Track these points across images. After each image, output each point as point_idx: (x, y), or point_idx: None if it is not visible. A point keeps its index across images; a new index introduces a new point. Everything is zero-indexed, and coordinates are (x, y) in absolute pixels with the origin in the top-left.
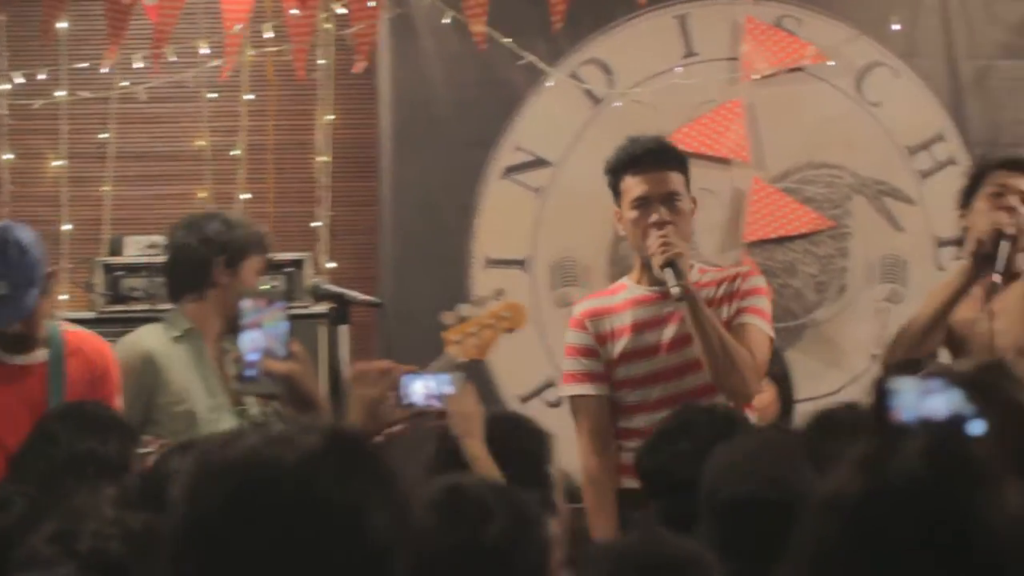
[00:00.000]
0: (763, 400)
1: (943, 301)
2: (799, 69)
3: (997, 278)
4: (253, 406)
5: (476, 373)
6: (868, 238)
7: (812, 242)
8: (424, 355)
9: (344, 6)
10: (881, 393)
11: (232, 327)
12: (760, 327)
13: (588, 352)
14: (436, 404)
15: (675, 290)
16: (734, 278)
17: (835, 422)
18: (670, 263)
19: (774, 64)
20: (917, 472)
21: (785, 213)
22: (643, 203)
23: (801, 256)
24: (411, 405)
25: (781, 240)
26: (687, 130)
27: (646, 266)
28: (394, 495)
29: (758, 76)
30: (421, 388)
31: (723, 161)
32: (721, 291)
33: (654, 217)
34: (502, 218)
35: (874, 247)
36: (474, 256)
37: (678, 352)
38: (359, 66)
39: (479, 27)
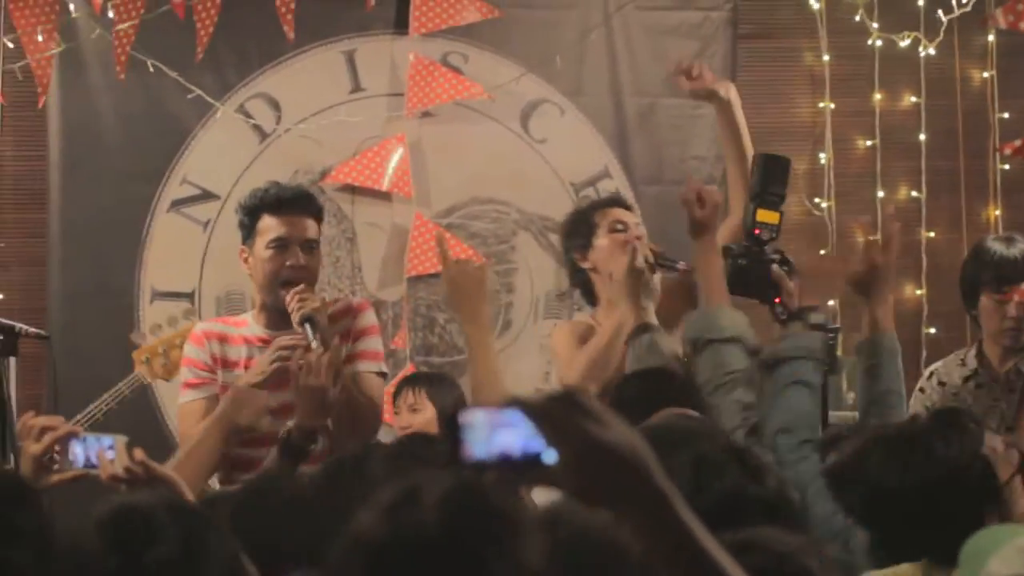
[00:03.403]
0: (418, 420)
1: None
2: (465, 106)
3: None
4: None
5: (141, 403)
6: (533, 274)
7: None
8: (91, 387)
9: (12, 41)
10: (454, 426)
11: None
12: (374, 373)
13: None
14: (94, 468)
15: (314, 344)
16: (345, 313)
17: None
18: (308, 318)
19: (438, 101)
20: (433, 520)
21: None
22: (281, 245)
23: None
24: (75, 466)
25: None
26: (351, 164)
27: (267, 308)
28: (40, 530)
29: (421, 113)
30: (82, 452)
31: (386, 196)
32: (336, 328)
33: (291, 260)
34: (169, 251)
35: (539, 283)
36: (142, 289)
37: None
38: (41, 99)
39: (121, 61)
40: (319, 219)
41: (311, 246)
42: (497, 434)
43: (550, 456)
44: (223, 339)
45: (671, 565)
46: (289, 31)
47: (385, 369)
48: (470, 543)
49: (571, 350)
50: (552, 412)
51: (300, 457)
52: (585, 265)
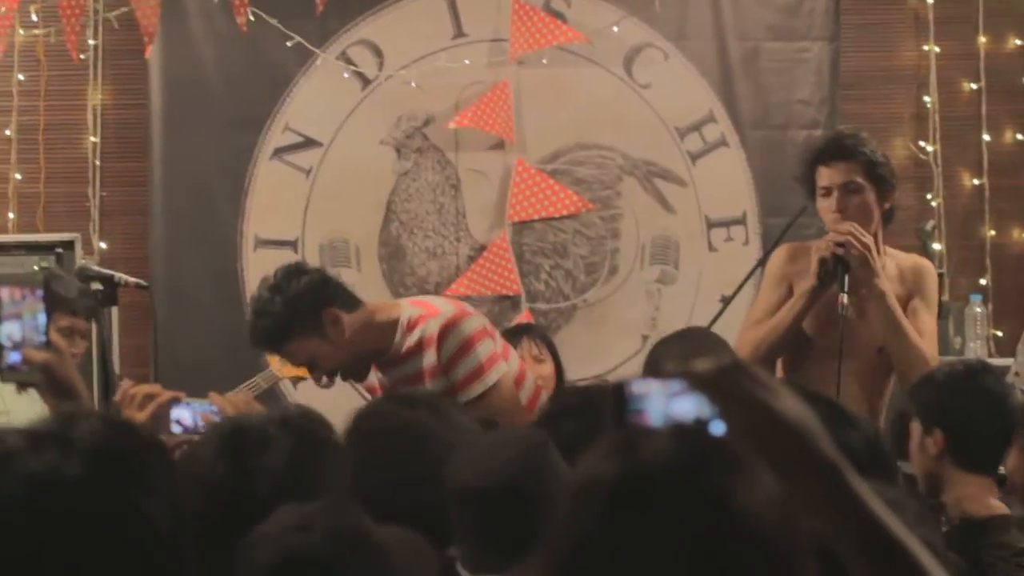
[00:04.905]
0: (545, 371)
1: (795, 315)
2: (568, 51)
3: (844, 299)
4: None
5: (248, 352)
6: (639, 219)
7: (583, 223)
8: (195, 334)
9: None
10: (622, 396)
11: None
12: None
13: None
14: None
15: None
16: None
17: (572, 405)
18: None
19: (539, 46)
20: (670, 453)
21: (548, 195)
22: None
23: (572, 237)
24: (179, 432)
25: (551, 221)
26: (469, 112)
27: None
28: (166, 483)
29: (523, 58)
30: (188, 416)
31: (489, 143)
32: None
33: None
34: (272, 199)
35: (645, 228)
36: (244, 237)
37: None
38: (148, 49)
39: (242, 12)
40: (304, 336)
41: (312, 366)
42: (672, 403)
43: (718, 427)
44: None
45: (843, 536)
46: None
47: (490, 381)
48: (711, 469)
49: (768, 282)
50: (721, 381)
51: None
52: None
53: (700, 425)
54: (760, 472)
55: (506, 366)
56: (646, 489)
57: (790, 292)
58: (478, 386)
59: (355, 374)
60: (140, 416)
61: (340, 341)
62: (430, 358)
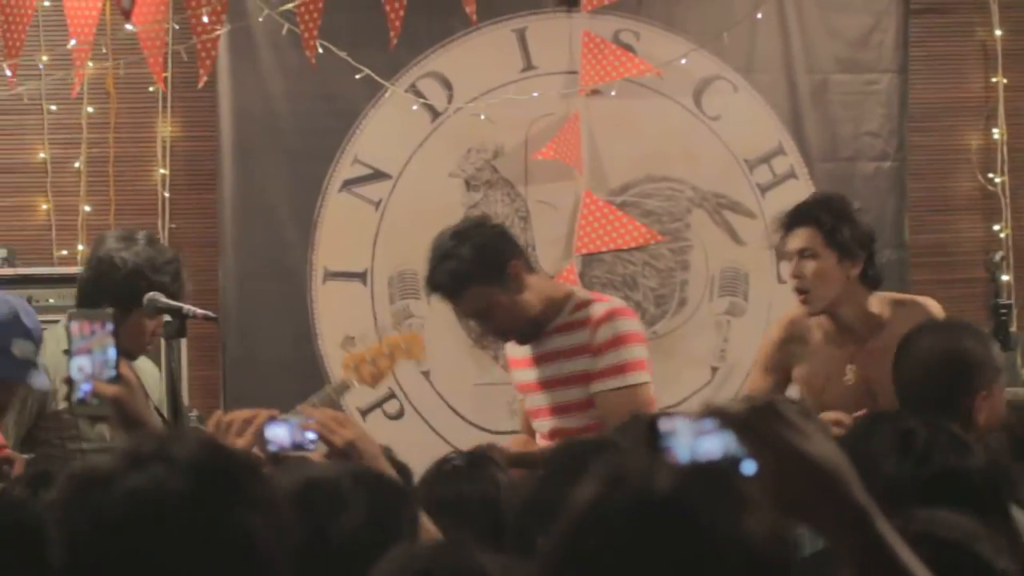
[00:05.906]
0: None
1: None
2: (637, 83)
3: None
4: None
5: (319, 383)
6: (708, 251)
7: (652, 255)
8: (264, 366)
9: (179, 21)
10: (651, 432)
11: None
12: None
13: None
14: (308, 448)
15: None
16: (580, 326)
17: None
18: None
19: (609, 78)
20: (652, 481)
21: (616, 227)
22: None
23: (641, 269)
24: (277, 451)
25: (620, 253)
26: (554, 144)
27: None
28: (266, 499)
29: (593, 90)
30: (284, 434)
31: (559, 175)
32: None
33: None
34: (342, 231)
35: (715, 260)
36: (314, 269)
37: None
38: (202, 80)
39: (311, 45)
40: (486, 284)
41: (483, 318)
42: (700, 442)
43: (749, 467)
44: None
45: None
46: (471, 11)
47: (629, 380)
48: (701, 507)
49: (762, 363)
50: (753, 422)
51: None
52: None
53: (708, 464)
54: (754, 506)
55: (649, 377)
56: (619, 514)
57: (785, 377)
58: (615, 381)
59: (520, 335)
60: (240, 443)
61: (518, 297)
62: (584, 336)
